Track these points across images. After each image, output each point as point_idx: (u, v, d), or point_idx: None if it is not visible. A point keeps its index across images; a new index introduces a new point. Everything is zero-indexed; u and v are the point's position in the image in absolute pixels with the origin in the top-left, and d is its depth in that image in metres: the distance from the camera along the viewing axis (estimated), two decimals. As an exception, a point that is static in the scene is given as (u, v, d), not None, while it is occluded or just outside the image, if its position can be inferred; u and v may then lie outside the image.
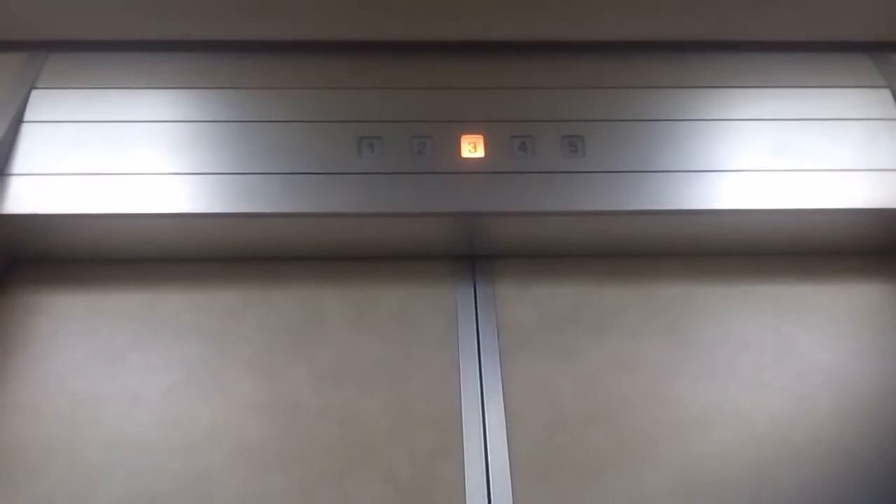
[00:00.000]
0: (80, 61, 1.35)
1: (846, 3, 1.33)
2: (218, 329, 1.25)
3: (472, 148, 1.28)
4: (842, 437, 1.17)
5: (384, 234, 1.29)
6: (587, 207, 1.24)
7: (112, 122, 1.29)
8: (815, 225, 1.30)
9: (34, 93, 1.31)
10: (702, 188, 1.26)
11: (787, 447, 1.16)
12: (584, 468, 1.13)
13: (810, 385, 1.22)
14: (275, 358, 1.22)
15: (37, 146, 1.26)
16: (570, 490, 1.11)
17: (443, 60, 1.37)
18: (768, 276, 1.33)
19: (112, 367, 1.21)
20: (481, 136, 1.29)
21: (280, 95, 1.32)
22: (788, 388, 1.22)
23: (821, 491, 1.12)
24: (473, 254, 1.36)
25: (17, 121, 1.27)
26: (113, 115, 1.29)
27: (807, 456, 1.15)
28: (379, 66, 1.36)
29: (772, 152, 1.29)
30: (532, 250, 1.34)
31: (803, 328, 1.28)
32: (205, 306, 1.27)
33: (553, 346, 1.25)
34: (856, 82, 1.37)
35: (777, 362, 1.24)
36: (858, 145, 1.31)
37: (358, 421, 1.16)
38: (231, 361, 1.22)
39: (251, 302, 1.28)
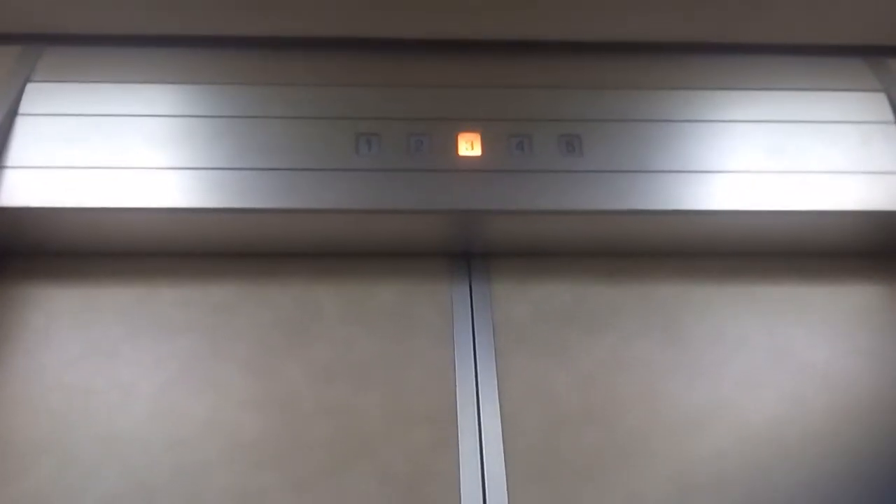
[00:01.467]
0: (76, 55, 1.34)
1: (842, 7, 1.34)
2: (212, 324, 1.24)
3: (469, 146, 1.28)
4: (836, 437, 1.18)
5: (381, 230, 1.29)
6: (584, 206, 1.24)
7: (107, 116, 1.28)
8: (810, 226, 1.31)
9: (29, 86, 1.30)
10: (697, 189, 1.26)
11: (782, 447, 1.16)
12: (580, 466, 1.13)
13: (805, 385, 1.22)
14: (269, 354, 1.22)
15: (32, 139, 1.25)
16: (565, 488, 1.11)
17: (441, 58, 1.37)
18: (763, 277, 1.34)
19: (105, 362, 1.20)
20: (478, 135, 1.29)
21: (277, 91, 1.31)
22: (783, 388, 1.22)
23: (816, 490, 1.13)
24: (470, 251, 1.35)
25: (13, 113, 1.27)
26: (108, 110, 1.29)
27: (801, 456, 1.16)
28: (377, 64, 1.36)
29: (767, 154, 1.30)
30: (528, 249, 1.34)
31: (798, 328, 1.28)
32: (199, 301, 1.26)
33: (548, 345, 1.25)
34: (851, 86, 1.38)
35: (772, 362, 1.25)
36: (853, 148, 1.31)
37: (353, 417, 1.16)
38: (225, 357, 1.21)
39: (246, 297, 1.27)
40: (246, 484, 1.09)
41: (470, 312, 1.28)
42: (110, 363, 1.20)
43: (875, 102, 1.36)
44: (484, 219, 1.27)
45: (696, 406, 1.20)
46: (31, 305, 1.25)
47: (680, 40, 1.39)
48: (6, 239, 1.27)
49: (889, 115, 1.35)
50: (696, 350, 1.25)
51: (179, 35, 1.36)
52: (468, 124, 1.30)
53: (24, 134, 1.25)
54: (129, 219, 1.23)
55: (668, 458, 1.15)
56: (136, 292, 1.27)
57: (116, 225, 1.25)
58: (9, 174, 1.22)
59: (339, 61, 1.36)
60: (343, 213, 1.23)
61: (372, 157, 1.26)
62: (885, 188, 1.28)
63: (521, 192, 1.25)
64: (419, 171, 1.26)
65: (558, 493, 1.11)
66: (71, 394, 1.16)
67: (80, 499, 1.07)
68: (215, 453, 1.12)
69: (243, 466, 1.11)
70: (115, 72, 1.33)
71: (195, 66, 1.35)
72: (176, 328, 1.24)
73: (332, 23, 1.34)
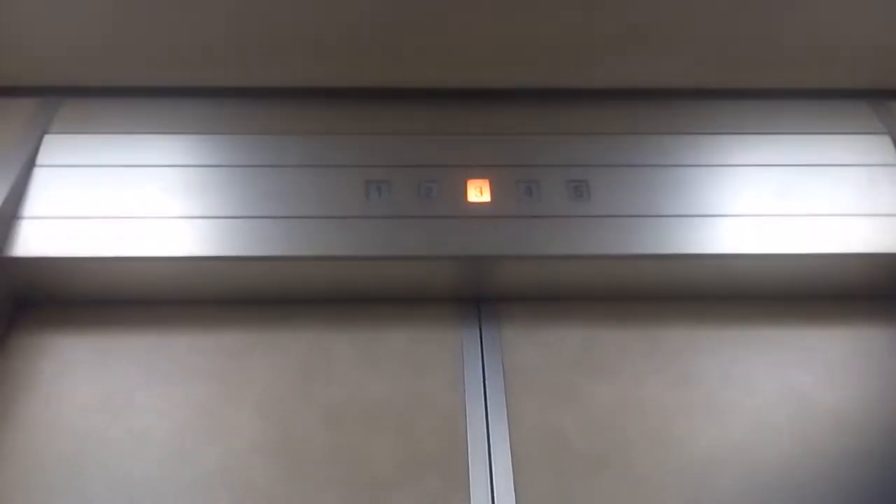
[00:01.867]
0: (92, 107, 1.38)
1: (845, 52, 1.36)
2: (225, 371, 1.25)
3: (478, 192, 1.30)
4: (847, 480, 1.17)
5: (391, 276, 1.30)
6: (592, 251, 1.25)
7: (122, 167, 1.31)
8: (817, 269, 1.32)
9: (47, 137, 1.33)
10: (705, 232, 1.27)
11: (793, 489, 1.15)
12: (592, 511, 1.13)
13: (815, 427, 1.22)
14: (282, 399, 1.22)
15: (48, 190, 1.28)
16: (577, 533, 1.11)
17: (450, 106, 1.39)
18: (772, 320, 1.34)
19: (119, 409, 1.20)
20: (488, 181, 1.31)
21: (289, 140, 1.34)
22: (793, 430, 1.21)
23: (829, 534, 1.12)
24: (480, 297, 1.36)
25: (30, 165, 1.30)
26: (124, 160, 1.32)
27: (812, 498, 1.15)
28: (387, 112, 1.38)
29: (774, 197, 1.31)
30: (537, 293, 1.35)
31: (807, 371, 1.28)
32: (212, 348, 1.28)
33: (559, 389, 1.25)
34: (856, 129, 1.39)
35: (781, 404, 1.24)
36: (860, 190, 1.33)
37: (364, 462, 1.16)
38: (238, 403, 1.22)
39: (258, 344, 1.28)
40: (258, 531, 1.10)
41: (480, 357, 1.28)
42: (124, 410, 1.20)
43: (880, 145, 1.38)
44: (493, 264, 1.29)
45: (707, 448, 1.19)
46: (47, 354, 1.26)
47: (685, 86, 1.42)
48: (22, 288, 1.29)
49: (893, 157, 1.36)
50: (706, 392, 1.25)
51: (193, 86, 1.39)
52: (477, 171, 1.32)
53: (41, 185, 1.28)
54: (143, 268, 1.25)
55: (680, 501, 1.14)
56: (151, 340, 1.28)
57: (131, 273, 1.27)
58: (26, 224, 1.24)
59: (349, 111, 1.38)
60: (354, 259, 1.25)
61: (382, 203, 1.28)
62: (892, 230, 1.29)
63: (531, 237, 1.26)
64: (429, 217, 1.27)
65: (571, 538, 1.11)
66: (85, 441, 1.17)
67: (93, 548, 1.07)
68: (228, 499, 1.12)
69: (255, 513, 1.11)
70: (131, 123, 1.36)
71: (209, 116, 1.38)
72: (189, 375, 1.25)
73: (341, 73, 1.37)
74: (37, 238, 1.23)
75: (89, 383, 1.23)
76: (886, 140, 1.37)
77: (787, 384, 1.27)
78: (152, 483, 1.13)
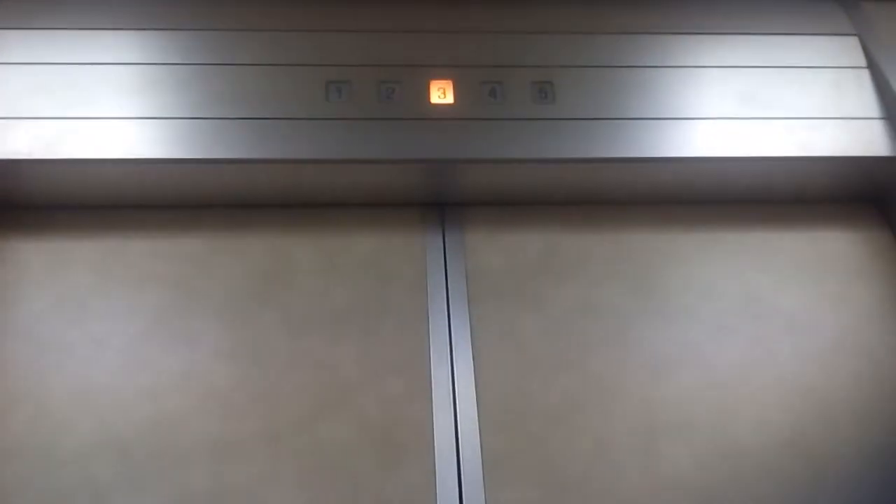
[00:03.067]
0: (36, 1, 1.31)
1: (817, -52, 1.33)
2: (184, 276, 1.24)
3: (441, 94, 1.27)
4: (803, 381, 1.20)
5: (353, 180, 1.28)
6: (556, 155, 1.24)
7: (71, 65, 1.26)
8: (782, 172, 1.32)
9: (-11, 33, 1.27)
10: (670, 136, 1.26)
11: (749, 391, 1.18)
12: (551, 412, 1.15)
13: (772, 330, 1.24)
14: (243, 305, 1.21)
15: (-7, 89, 1.23)
16: (536, 433, 1.13)
17: (413, 4, 1.35)
18: (735, 224, 1.35)
19: (77, 315, 1.19)
20: (451, 82, 1.28)
21: (246, 38, 1.29)
22: (751, 333, 1.24)
23: (781, 431, 1.15)
24: (443, 201, 1.35)
25: (-27, 63, 1.24)
26: (72, 58, 1.26)
27: (767, 399, 1.18)
28: (347, 9, 1.33)
29: (740, 100, 1.30)
30: (501, 198, 1.34)
31: (767, 275, 1.30)
32: (171, 253, 1.26)
33: (521, 293, 1.25)
34: (825, 30, 1.37)
35: (740, 308, 1.26)
36: (826, 93, 1.32)
37: (327, 367, 1.17)
38: (198, 308, 1.21)
39: (218, 249, 1.27)
40: (221, 434, 1.10)
41: (443, 262, 1.28)
42: (83, 316, 1.19)
43: (849, 46, 1.36)
44: (457, 168, 1.27)
45: (665, 351, 1.21)
46: (1, 260, 1.23)
47: (653, -16, 1.38)
48: (-29, 192, 1.25)
49: (862, 59, 1.35)
50: (666, 296, 1.26)
51: (144, -20, 1.33)
52: (440, 71, 1.29)
53: (-13, 83, 1.23)
54: (96, 171, 1.22)
55: (637, 402, 1.16)
56: (107, 245, 1.26)
57: (84, 176, 1.23)
58: (-29, 126, 1.19)
59: (308, 6, 1.33)
60: (314, 163, 1.22)
61: (342, 104, 1.25)
62: (858, 134, 1.29)
63: (494, 141, 1.24)
64: (391, 119, 1.25)
65: (530, 436, 1.13)
66: (43, 347, 1.16)
67: (54, 451, 1.07)
68: (189, 405, 1.12)
69: (218, 417, 1.12)
70: (79, 18, 1.31)
71: (161, 11, 1.32)
72: (147, 280, 1.23)
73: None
74: (-17, 140, 1.19)
75: (46, 289, 1.21)
76: (855, 42, 1.36)
77: (746, 288, 1.28)
78: (112, 389, 1.13)
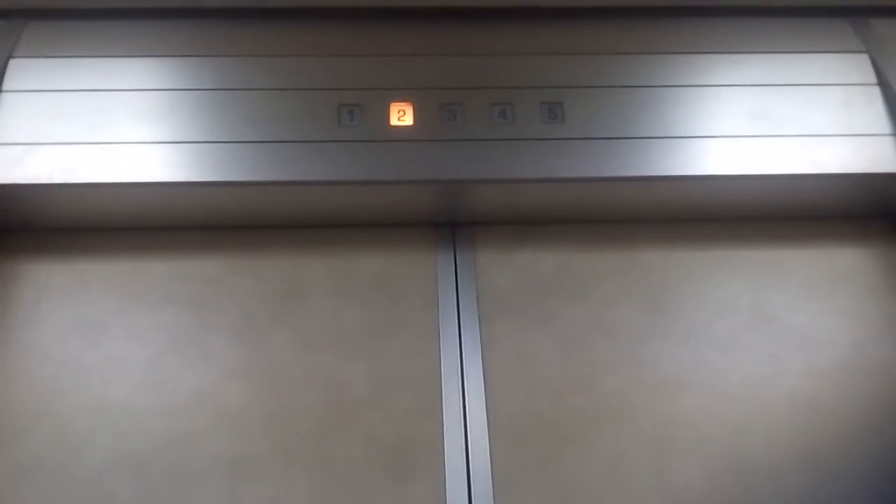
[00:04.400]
0: (57, 29, 1.34)
1: (825, -32, 1.34)
2: (200, 296, 1.26)
3: (451, 115, 1.28)
4: (814, 398, 1.19)
5: (365, 201, 1.30)
6: (566, 174, 1.25)
7: (91, 91, 1.29)
8: (792, 190, 1.32)
9: (12, 62, 1.30)
10: (680, 154, 1.27)
11: (760, 407, 1.18)
12: (562, 430, 1.15)
13: (784, 347, 1.24)
14: (257, 324, 1.23)
15: (16, 116, 1.26)
16: (547, 451, 1.13)
17: (426, 27, 1.37)
18: (746, 242, 1.35)
19: (96, 335, 1.22)
20: (462, 105, 1.29)
21: (260, 63, 1.32)
22: (762, 350, 1.24)
23: (793, 448, 1.15)
24: (454, 221, 1.36)
25: (-4, 90, 1.28)
26: (92, 84, 1.29)
27: (779, 415, 1.18)
28: (361, 34, 1.36)
29: (750, 118, 1.30)
30: (512, 217, 1.35)
31: (778, 292, 1.29)
32: (187, 274, 1.28)
33: (532, 312, 1.26)
34: (834, 47, 1.37)
35: (752, 325, 1.26)
36: (836, 110, 1.32)
37: (339, 385, 1.18)
38: (213, 328, 1.23)
39: (233, 270, 1.29)
40: (235, 451, 1.12)
41: (454, 281, 1.29)
42: (101, 336, 1.22)
43: (858, 64, 1.36)
44: (468, 188, 1.28)
45: (677, 369, 1.21)
46: (22, 281, 1.26)
47: (661, 5, 1.39)
48: (-5, 215, 1.28)
49: (872, 76, 1.35)
50: (677, 314, 1.27)
51: (161, 7, 1.36)
52: (449, 94, 1.30)
53: (9, 110, 1.26)
54: (114, 194, 1.24)
55: (649, 420, 1.17)
56: (125, 266, 1.28)
57: (102, 200, 1.26)
58: (-5, 151, 1.23)
59: (322, 32, 1.35)
60: (328, 184, 1.24)
61: (354, 127, 1.27)
62: (868, 150, 1.28)
63: (505, 161, 1.25)
64: (401, 141, 1.26)
65: (540, 455, 1.13)
66: (62, 367, 1.18)
67: (72, 468, 1.10)
68: (205, 423, 1.14)
69: (232, 435, 1.13)
70: (98, 45, 1.33)
71: (177, 38, 1.35)
72: (165, 301, 1.25)
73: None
74: (7, 164, 1.21)
75: (66, 309, 1.24)
76: (865, 59, 1.36)
77: (758, 305, 1.28)
78: (129, 408, 1.15)
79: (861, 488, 1.12)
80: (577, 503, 1.10)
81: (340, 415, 1.16)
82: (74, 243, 1.31)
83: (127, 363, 1.19)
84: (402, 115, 1.28)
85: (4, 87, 1.28)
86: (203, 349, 1.21)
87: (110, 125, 1.25)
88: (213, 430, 1.14)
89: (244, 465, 1.11)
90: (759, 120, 1.30)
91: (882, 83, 1.34)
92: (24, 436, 1.12)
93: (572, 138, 1.27)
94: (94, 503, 1.07)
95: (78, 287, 1.27)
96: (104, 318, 1.24)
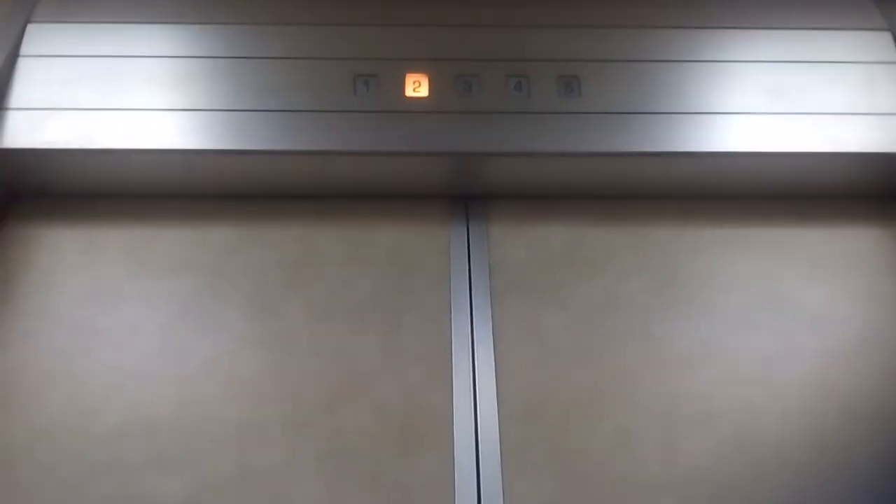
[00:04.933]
0: (73, -4, 1.35)
1: (849, -58, 1.32)
2: (214, 264, 1.26)
3: (467, 87, 1.28)
4: (825, 378, 1.19)
5: (379, 172, 1.30)
6: (581, 148, 1.24)
7: (108, 57, 1.29)
8: (810, 168, 1.31)
9: (30, 27, 1.31)
10: (697, 130, 1.26)
11: (770, 386, 1.18)
12: (571, 404, 1.15)
13: (795, 326, 1.24)
14: (270, 293, 1.24)
15: (33, 81, 1.26)
16: (556, 424, 1.14)
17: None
18: (761, 219, 1.34)
19: (110, 301, 1.22)
20: (477, 76, 1.29)
21: (276, 31, 1.32)
22: (773, 329, 1.23)
23: (802, 427, 1.15)
24: (468, 194, 1.36)
25: (14, 55, 1.28)
26: (109, 50, 1.29)
27: (789, 395, 1.17)
28: (378, 4, 1.35)
29: (769, 94, 1.29)
30: (526, 191, 1.35)
31: (791, 271, 1.29)
32: (201, 242, 1.29)
33: (543, 286, 1.26)
34: (856, 24, 1.35)
35: (763, 304, 1.25)
36: (856, 89, 1.30)
37: (350, 355, 1.19)
38: (226, 296, 1.24)
39: (247, 238, 1.29)
40: (246, 418, 1.13)
41: (467, 254, 1.29)
42: (115, 302, 1.22)
43: (880, 42, 1.34)
44: (482, 161, 1.28)
45: (687, 346, 1.21)
46: (37, 246, 1.27)
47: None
48: (10, 181, 1.29)
49: (894, 54, 1.33)
50: (689, 291, 1.26)
51: (178, -26, 1.36)
52: (465, 65, 1.30)
53: (26, 75, 1.27)
54: (129, 160, 1.25)
55: (658, 396, 1.17)
56: (139, 233, 1.29)
57: (117, 166, 1.27)
58: (12, 116, 1.23)
59: (340, 1, 1.35)
60: (342, 154, 1.24)
61: (370, 97, 1.27)
62: (888, 129, 1.27)
63: (520, 134, 1.25)
64: (416, 112, 1.26)
65: (549, 428, 1.13)
66: (77, 332, 1.19)
67: (86, 433, 1.11)
68: (217, 389, 1.15)
69: (244, 402, 1.14)
70: (116, 11, 1.33)
71: (194, 6, 1.35)
72: (178, 268, 1.26)
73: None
74: (23, 130, 1.22)
75: (80, 276, 1.25)
76: (887, 36, 1.34)
77: (770, 283, 1.27)
78: (142, 373, 1.16)
79: (872, 469, 1.12)
80: (585, 476, 1.10)
81: (351, 384, 1.16)
82: (89, 210, 1.32)
83: (140, 329, 1.20)
84: (417, 87, 1.27)
85: (22, 52, 1.28)
86: (216, 317, 1.22)
87: (127, 92, 1.26)
88: (225, 396, 1.15)
89: (254, 431, 1.12)
90: (778, 97, 1.29)
91: (904, 62, 1.32)
92: (40, 399, 1.14)
93: (588, 112, 1.27)
94: (108, 465, 1.08)
95: (92, 253, 1.28)
96: (118, 285, 1.24)
